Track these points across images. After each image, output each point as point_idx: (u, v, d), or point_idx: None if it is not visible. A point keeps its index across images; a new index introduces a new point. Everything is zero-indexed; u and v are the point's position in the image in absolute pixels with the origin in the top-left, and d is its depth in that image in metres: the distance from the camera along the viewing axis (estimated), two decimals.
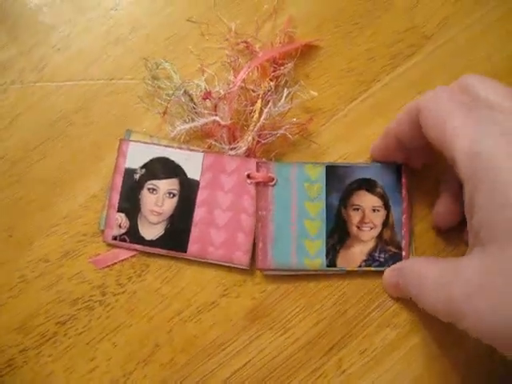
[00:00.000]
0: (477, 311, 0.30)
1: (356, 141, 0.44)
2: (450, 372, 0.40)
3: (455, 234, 0.42)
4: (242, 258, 0.42)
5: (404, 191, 0.42)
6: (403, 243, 0.42)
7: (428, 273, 0.35)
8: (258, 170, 0.42)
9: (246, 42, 0.45)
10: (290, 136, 0.42)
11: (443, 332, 0.41)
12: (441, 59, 0.45)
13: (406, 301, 0.41)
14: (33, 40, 0.46)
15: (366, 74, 0.45)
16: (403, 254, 0.42)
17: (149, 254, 0.43)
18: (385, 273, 0.41)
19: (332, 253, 0.41)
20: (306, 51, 0.46)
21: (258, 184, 0.42)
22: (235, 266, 0.42)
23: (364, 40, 0.46)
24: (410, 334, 0.41)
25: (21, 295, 0.42)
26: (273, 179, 0.42)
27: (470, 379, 0.40)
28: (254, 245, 0.42)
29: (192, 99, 0.43)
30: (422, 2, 0.47)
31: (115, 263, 0.43)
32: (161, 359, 0.41)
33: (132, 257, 0.43)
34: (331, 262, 0.41)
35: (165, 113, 0.44)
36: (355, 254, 0.42)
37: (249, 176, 0.42)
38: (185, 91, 0.43)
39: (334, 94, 0.45)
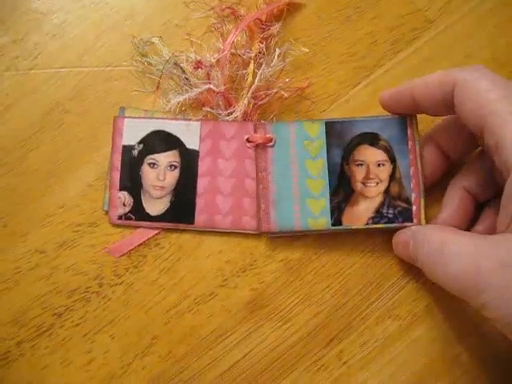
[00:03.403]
0: (504, 285, 0.29)
1: None
2: (453, 364, 0.40)
3: None
4: (250, 222, 0.41)
5: (410, 143, 0.40)
6: (413, 197, 0.39)
7: (453, 241, 0.33)
8: (255, 132, 0.41)
9: (230, 7, 0.44)
10: (284, 94, 0.41)
11: (446, 324, 0.40)
12: (443, 44, 0.44)
13: (408, 292, 0.41)
14: (26, 27, 0.46)
15: (368, 59, 0.44)
16: (413, 208, 0.39)
17: (145, 245, 0.42)
18: (398, 231, 0.40)
19: (337, 211, 0.40)
20: (292, 12, 0.45)
21: (257, 146, 0.41)
22: (244, 231, 0.41)
23: (365, 24, 0.45)
24: (412, 326, 0.40)
25: (16, 287, 0.42)
26: (271, 139, 0.41)
27: (473, 372, 0.40)
28: (257, 208, 0.41)
29: (184, 71, 0.42)
30: None
31: (131, 250, 0.42)
32: (159, 351, 0.41)
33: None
34: (336, 221, 0.40)
35: (158, 87, 0.43)
36: (361, 212, 0.40)
37: (248, 140, 0.42)
38: (175, 63, 0.42)
39: (336, 80, 0.44)
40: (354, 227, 0.40)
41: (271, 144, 0.41)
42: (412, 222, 0.39)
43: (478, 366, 0.40)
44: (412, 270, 0.41)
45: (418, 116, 0.40)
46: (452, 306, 0.40)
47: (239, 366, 0.40)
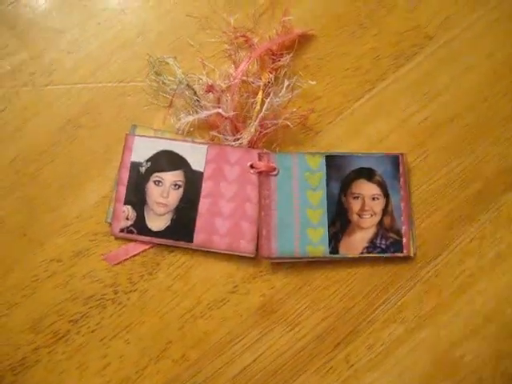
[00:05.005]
0: None
1: (361, 138, 0.45)
2: (458, 367, 0.41)
3: (461, 231, 0.43)
4: (246, 246, 0.43)
5: (402, 179, 0.43)
6: (403, 230, 0.43)
7: None
8: (260, 160, 0.43)
9: (244, 35, 0.46)
10: (290, 125, 0.43)
11: (450, 326, 0.42)
12: (443, 59, 0.46)
13: (413, 296, 0.42)
14: (43, 44, 0.47)
15: (371, 74, 0.46)
16: (404, 240, 0.42)
17: (159, 253, 0.43)
18: None
19: (334, 240, 0.42)
20: (303, 43, 0.47)
21: (260, 174, 0.43)
22: (241, 254, 0.43)
23: (369, 40, 0.47)
24: (418, 329, 0.42)
25: (34, 294, 0.43)
26: (275, 169, 0.43)
27: (479, 374, 0.41)
28: (259, 233, 0.43)
29: (195, 92, 0.44)
30: (424, 2, 0.48)
31: (127, 259, 0.43)
32: (173, 355, 0.42)
33: (143, 256, 0.43)
34: (334, 250, 0.42)
35: (170, 106, 0.45)
36: (357, 241, 0.42)
37: (252, 166, 0.43)
38: (188, 85, 0.44)
39: (341, 93, 0.46)
40: (350, 256, 0.42)
41: (274, 173, 0.43)
42: (402, 252, 0.42)
43: (482, 367, 0.41)
44: (417, 274, 0.43)
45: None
46: (455, 309, 0.42)
47: (250, 369, 0.42)
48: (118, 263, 0.43)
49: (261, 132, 0.43)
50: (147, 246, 0.44)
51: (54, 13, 0.48)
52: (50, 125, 0.46)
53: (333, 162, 0.43)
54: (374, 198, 0.43)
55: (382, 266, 0.43)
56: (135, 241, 0.43)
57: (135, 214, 0.43)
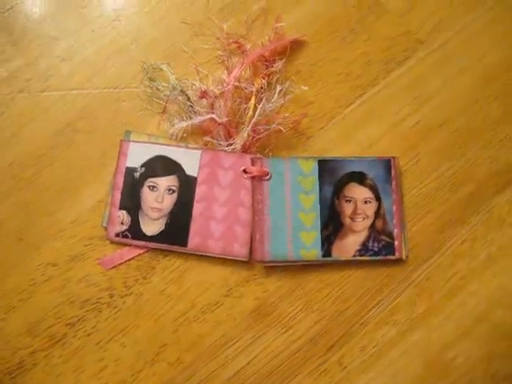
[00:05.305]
0: None
1: (353, 143, 0.46)
2: (450, 369, 0.42)
3: (452, 234, 0.44)
4: (240, 250, 0.43)
5: (394, 183, 0.44)
6: (395, 232, 0.43)
7: None
8: (253, 165, 0.44)
9: (237, 42, 0.47)
10: (282, 130, 0.44)
11: (443, 329, 0.42)
12: (434, 63, 0.47)
13: (405, 299, 0.43)
14: (38, 51, 0.48)
15: (362, 79, 0.47)
16: (396, 243, 0.43)
17: (154, 257, 0.44)
18: None
19: (327, 243, 0.43)
20: (295, 49, 0.48)
21: (253, 178, 0.43)
22: (234, 258, 0.43)
23: (359, 45, 0.47)
24: (410, 332, 0.42)
25: (30, 298, 0.43)
26: (267, 173, 0.43)
27: (470, 376, 0.42)
28: (252, 237, 0.43)
29: (189, 98, 0.45)
30: (415, 8, 0.48)
31: (122, 263, 0.44)
32: (168, 358, 0.42)
33: (138, 260, 0.44)
34: (326, 253, 0.43)
35: (163, 112, 0.46)
36: (349, 245, 0.43)
37: (245, 171, 0.44)
38: (181, 91, 0.45)
39: (332, 98, 0.46)
40: (342, 259, 0.43)
41: (267, 177, 0.43)
42: (394, 255, 0.43)
43: (473, 369, 0.42)
44: (409, 277, 0.43)
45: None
46: (447, 311, 0.42)
47: (244, 372, 0.42)
48: (113, 267, 0.44)
49: (254, 137, 0.44)
50: (142, 251, 0.44)
51: (50, 20, 0.49)
52: (47, 130, 0.46)
53: (325, 166, 0.44)
54: (366, 202, 0.43)
55: (374, 269, 0.43)
56: (130, 245, 0.44)
57: (130, 219, 0.44)
